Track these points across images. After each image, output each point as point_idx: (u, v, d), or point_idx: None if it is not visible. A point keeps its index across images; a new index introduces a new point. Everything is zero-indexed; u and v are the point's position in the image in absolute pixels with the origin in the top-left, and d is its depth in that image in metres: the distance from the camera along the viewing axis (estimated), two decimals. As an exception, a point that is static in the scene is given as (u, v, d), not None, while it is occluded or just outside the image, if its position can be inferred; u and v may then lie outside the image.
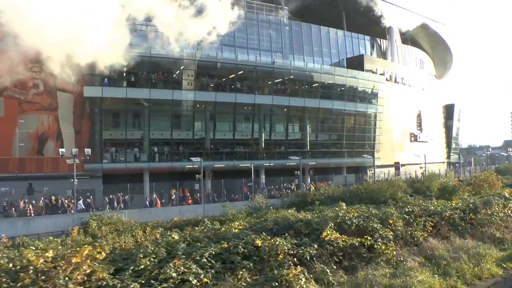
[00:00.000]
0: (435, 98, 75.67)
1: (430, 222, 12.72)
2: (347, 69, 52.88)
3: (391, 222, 12.03)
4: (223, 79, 44.15)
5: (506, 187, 37.71)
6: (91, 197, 37.97)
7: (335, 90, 51.10)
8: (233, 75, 44.05)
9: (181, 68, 41.71)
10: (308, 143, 50.27)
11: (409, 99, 65.18)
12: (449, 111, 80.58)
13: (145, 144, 42.17)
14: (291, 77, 47.60)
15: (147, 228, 22.64)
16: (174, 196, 40.60)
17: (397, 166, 49.68)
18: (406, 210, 13.84)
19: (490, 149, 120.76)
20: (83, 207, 36.67)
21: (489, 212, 14.06)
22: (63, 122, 39.91)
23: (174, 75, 42.57)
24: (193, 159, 37.96)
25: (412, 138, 65.62)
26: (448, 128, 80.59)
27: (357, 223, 11.49)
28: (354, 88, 52.48)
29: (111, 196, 37.18)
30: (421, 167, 54.29)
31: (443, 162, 76.84)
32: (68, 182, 38.43)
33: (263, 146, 47.19)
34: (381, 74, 58.19)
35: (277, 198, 36.14)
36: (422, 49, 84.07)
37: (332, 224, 11.15)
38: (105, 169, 39.96)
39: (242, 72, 44.29)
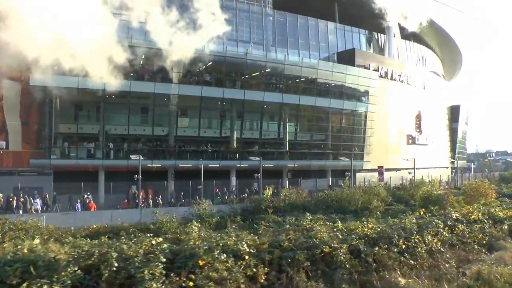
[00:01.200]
0: (438, 98, 69.65)
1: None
2: (333, 63, 47.92)
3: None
4: (189, 71, 39.66)
5: (503, 197, 32.37)
6: (46, 195, 33.95)
7: (318, 86, 46.13)
8: (202, 67, 39.57)
9: (143, 58, 37.53)
10: (287, 143, 45.44)
11: (407, 98, 59.58)
12: (454, 112, 74.40)
13: (101, 140, 38.13)
14: (267, 70, 42.85)
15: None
16: (134, 197, 36.45)
17: (380, 170, 44.41)
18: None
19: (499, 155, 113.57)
20: (40, 206, 32.72)
21: (402, 245, 9.22)
22: (8, 113, 36.10)
23: (136, 66, 38.36)
24: (132, 156, 33.40)
25: (410, 141, 60.00)
26: (453, 131, 74.42)
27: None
28: (342, 84, 47.37)
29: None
30: (409, 172, 48.85)
31: (447, 168, 70.86)
32: (13, 178, 34.87)
33: (234, 145, 42.61)
34: (375, 70, 52.92)
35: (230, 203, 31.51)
36: (428, 46, 78.22)
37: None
38: (55, 166, 36.03)
39: (211, 63, 39.77)
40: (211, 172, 40.55)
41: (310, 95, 44.89)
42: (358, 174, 50.45)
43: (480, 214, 15.08)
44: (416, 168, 60.70)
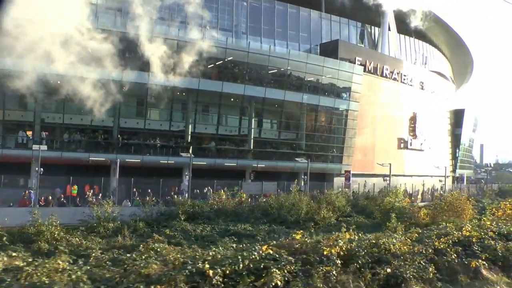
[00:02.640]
0: (440, 101, 62.91)
1: None
2: (308, 54, 42.27)
3: None
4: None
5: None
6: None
7: (290, 78, 40.61)
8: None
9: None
10: (251, 140, 40.03)
11: (401, 98, 53.32)
12: (458, 117, 67.36)
13: (36, 128, 33.62)
14: (230, 58, 37.57)
15: None
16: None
17: (347, 176, 38.48)
18: None
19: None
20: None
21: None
22: None
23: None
24: (34, 146, 28.45)
25: (402, 145, 53.63)
26: (456, 137, 67.42)
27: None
28: (318, 77, 41.71)
29: None
30: (384, 179, 42.72)
31: (447, 176, 63.91)
32: None
33: (189, 140, 37.44)
34: (361, 65, 46.93)
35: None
36: (435, 46, 71.55)
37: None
38: None
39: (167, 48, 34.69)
40: (168, 169, 35.94)
41: (280, 88, 39.38)
42: (336, 179, 44.64)
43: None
44: (409, 176, 54.59)
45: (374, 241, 9.27)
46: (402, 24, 59.35)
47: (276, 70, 39.63)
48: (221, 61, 37.59)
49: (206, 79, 36.23)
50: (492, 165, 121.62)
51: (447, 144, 65.81)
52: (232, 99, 38.46)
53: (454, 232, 11.71)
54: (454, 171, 65.91)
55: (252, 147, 39.71)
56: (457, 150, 66.78)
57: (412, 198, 41.97)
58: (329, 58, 43.01)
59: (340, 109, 44.26)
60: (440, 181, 48.53)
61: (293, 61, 39.69)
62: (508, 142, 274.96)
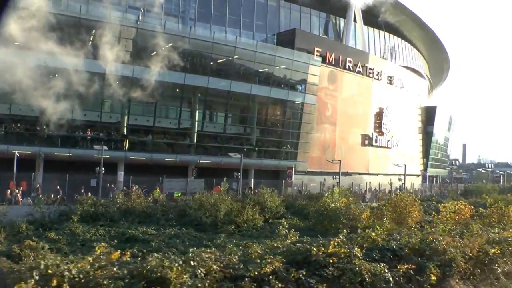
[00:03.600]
0: (411, 97, 60.07)
1: None
2: (258, 42, 39.06)
3: None
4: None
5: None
6: None
7: (237, 68, 37.43)
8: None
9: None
10: (195, 134, 36.78)
11: (366, 92, 50.36)
12: (429, 114, 64.51)
13: None
14: (170, 44, 34.23)
15: None
16: None
17: (289, 173, 35.32)
18: None
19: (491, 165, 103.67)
20: None
21: None
22: None
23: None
24: None
25: (366, 142, 50.66)
26: (428, 134, 64.61)
27: None
28: (268, 68, 38.52)
29: None
30: (334, 178, 39.68)
31: (417, 175, 61.14)
32: None
33: (124, 133, 34.11)
34: (321, 56, 43.83)
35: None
36: (410, 43, 68.78)
37: None
38: None
39: (92, 30, 31.40)
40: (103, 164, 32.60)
41: (226, 78, 36.15)
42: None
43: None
44: (374, 174, 51.72)
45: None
46: (373, 17, 56.60)
47: (222, 59, 36.36)
48: (161, 48, 34.26)
49: (143, 66, 32.92)
50: (493, 166, 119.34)
51: (418, 142, 62.97)
52: (172, 89, 35.10)
53: (314, 248, 8.56)
54: (425, 169, 63.11)
55: (195, 142, 36.45)
56: (429, 149, 63.88)
57: (367, 198, 38.99)
58: (283, 47, 39.87)
59: (296, 102, 41.12)
60: (400, 179, 45.60)
61: (241, 49, 36.49)
62: (490, 142, 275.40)
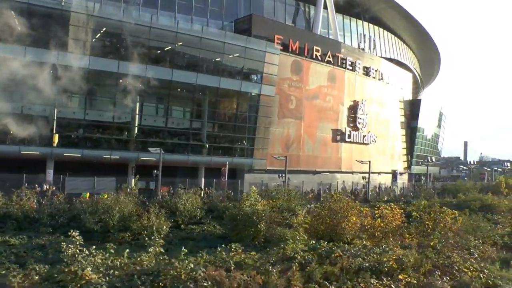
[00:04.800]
0: (391, 90, 56.15)
1: None
2: (204, 28, 35.45)
3: None
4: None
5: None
6: None
7: (181, 56, 34.00)
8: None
9: None
10: (135, 128, 33.38)
11: (339, 83, 46.54)
12: (414, 109, 60.49)
13: None
14: (104, 30, 30.93)
15: None
16: None
17: (224, 171, 31.59)
18: None
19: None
20: None
21: None
22: None
23: None
24: None
25: (338, 137, 46.83)
26: (412, 130, 60.58)
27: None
28: (219, 56, 34.97)
29: None
30: (280, 176, 35.90)
31: (400, 174, 57.12)
32: None
33: (54, 127, 30.74)
34: (283, 44, 40.21)
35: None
36: (396, 34, 64.91)
37: None
38: None
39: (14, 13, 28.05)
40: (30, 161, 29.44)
41: (168, 66, 32.71)
42: (248, 176, 38.01)
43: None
44: (348, 172, 47.92)
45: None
46: (352, 6, 53.00)
47: (164, 46, 32.96)
48: (91, 32, 30.94)
49: (70, 52, 29.59)
50: (475, 162, 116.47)
51: (401, 138, 58.96)
52: (108, 79, 31.70)
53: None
54: (409, 167, 59.13)
55: (134, 137, 33.04)
56: (414, 145, 59.88)
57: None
58: (235, 34, 36.35)
59: (252, 93, 37.51)
60: (364, 178, 41.71)
61: (183, 35, 32.96)
62: (492, 140, 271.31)
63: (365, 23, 56.95)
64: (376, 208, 18.65)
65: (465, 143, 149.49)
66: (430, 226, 16.19)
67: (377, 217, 16.72)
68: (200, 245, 17.27)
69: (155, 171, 27.31)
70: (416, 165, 61.83)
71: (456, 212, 18.88)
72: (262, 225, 18.20)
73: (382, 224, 15.77)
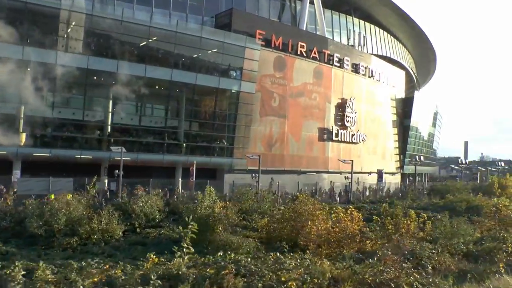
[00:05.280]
0: (382, 87, 54.89)
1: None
2: (180, 22, 34.26)
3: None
4: None
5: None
6: None
7: (155, 52, 32.95)
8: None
9: None
10: (108, 127, 32.30)
11: (325, 80, 45.30)
12: (407, 106, 59.17)
13: None
14: (74, 23, 29.88)
15: None
16: None
17: (192, 171, 30.38)
18: None
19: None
20: None
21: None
22: None
23: None
24: None
25: (325, 136, 45.60)
26: (405, 129, 59.26)
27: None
28: (195, 51, 33.86)
29: None
30: (253, 176, 34.69)
31: (392, 174, 55.91)
32: None
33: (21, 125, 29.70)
34: (266, 39, 39.09)
35: None
36: (391, 32, 63.75)
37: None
38: None
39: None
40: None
41: (140, 62, 31.62)
42: (228, 176, 36.86)
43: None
44: (336, 173, 46.71)
45: None
46: (343, 2, 52.03)
47: (137, 42, 31.91)
48: (64, 27, 29.92)
49: (37, 47, 28.55)
50: (468, 162, 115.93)
51: (393, 137, 57.65)
52: (77, 74, 30.57)
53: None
54: (401, 167, 57.80)
55: (107, 136, 31.95)
56: (407, 144, 58.55)
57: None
58: (212, 28, 35.31)
59: (232, 90, 36.37)
60: (346, 178, 40.44)
61: (157, 29, 31.91)
62: (495, 140, 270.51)
63: (356, 20, 55.74)
64: (332, 212, 17.40)
65: (465, 143, 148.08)
66: (392, 232, 14.94)
67: (334, 221, 15.44)
68: (150, 250, 16.15)
69: (116, 171, 26.16)
70: (410, 165, 60.46)
71: (425, 215, 17.58)
72: (220, 228, 17.08)
73: (336, 230, 14.37)
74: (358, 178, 47.48)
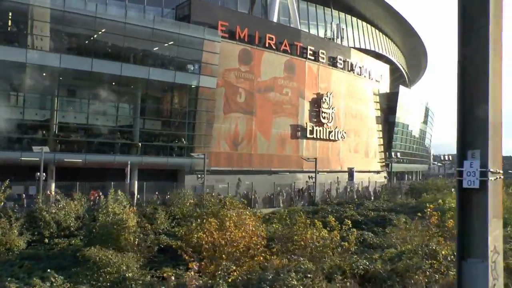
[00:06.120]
0: (364, 82, 53.11)
1: None
2: (129, 13, 32.78)
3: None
4: None
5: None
6: None
7: (103, 45, 31.35)
8: None
9: None
10: (55, 126, 30.68)
11: (299, 74, 43.57)
12: (391, 102, 57.32)
13: None
14: (11, 14, 28.38)
15: None
16: None
17: (126, 172, 28.56)
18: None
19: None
20: None
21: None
22: None
23: None
24: None
25: (298, 133, 43.80)
26: (391, 125, 57.39)
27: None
28: (148, 44, 32.19)
29: None
30: (198, 176, 32.68)
31: (377, 172, 54.04)
32: None
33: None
34: (227, 31, 37.44)
35: None
36: (374, 25, 62.07)
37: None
38: None
39: None
40: None
41: (84, 55, 29.98)
42: (189, 178, 35.10)
43: None
44: (311, 172, 44.80)
45: None
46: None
47: (79, 33, 30.27)
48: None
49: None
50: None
51: (377, 134, 55.79)
52: (16, 69, 28.99)
53: None
54: (387, 165, 55.84)
55: (52, 136, 30.34)
56: (391, 142, 56.70)
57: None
58: (166, 19, 33.75)
59: (191, 86, 34.67)
60: (311, 177, 38.53)
61: (104, 20, 30.25)
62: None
63: (335, 12, 54.14)
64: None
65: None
66: (299, 246, 12.89)
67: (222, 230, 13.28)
68: (41, 267, 14.44)
69: (37, 173, 24.46)
70: (398, 162, 58.58)
71: (349, 222, 15.21)
72: (131, 237, 15.30)
73: (222, 242, 12.11)
74: (338, 178, 45.75)
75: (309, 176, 38.50)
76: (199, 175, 31.57)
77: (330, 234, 12.77)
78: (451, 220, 14.81)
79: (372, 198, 36.92)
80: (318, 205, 31.37)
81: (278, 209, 31.13)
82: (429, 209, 15.58)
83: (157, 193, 31.23)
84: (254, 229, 12.51)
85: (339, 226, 14.15)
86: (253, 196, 33.75)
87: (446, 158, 72.31)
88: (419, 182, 45.13)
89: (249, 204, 34.54)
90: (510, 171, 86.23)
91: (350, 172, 40.60)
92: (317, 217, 25.56)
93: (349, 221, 15.17)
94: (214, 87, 35.17)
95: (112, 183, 29.69)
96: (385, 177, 54.81)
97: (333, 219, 14.51)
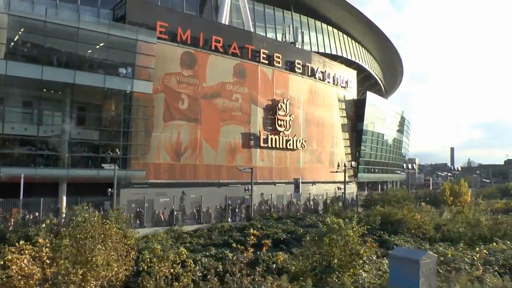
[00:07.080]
0: (327, 88, 51.84)
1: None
2: (49, 12, 30.86)
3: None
4: None
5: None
6: None
7: (20, 45, 29.55)
8: None
9: None
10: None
11: (249, 80, 42.11)
12: (358, 109, 56.06)
13: None
14: None
15: None
16: None
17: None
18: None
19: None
20: None
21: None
22: None
23: None
24: None
25: (251, 142, 42.14)
26: (358, 133, 56.04)
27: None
28: (73, 45, 30.44)
29: None
30: (109, 192, 30.64)
31: (347, 182, 52.31)
32: None
33: None
34: (167, 32, 35.94)
35: None
36: (342, 30, 61.24)
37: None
38: None
39: None
40: None
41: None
42: (125, 191, 33.12)
43: None
44: (267, 184, 43.19)
45: None
46: None
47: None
48: None
49: None
50: (460, 168, 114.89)
51: (343, 142, 54.36)
52: None
53: None
54: (355, 175, 54.33)
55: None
56: (359, 151, 55.29)
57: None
58: (93, 18, 32.15)
59: (126, 91, 32.91)
60: (247, 189, 36.38)
61: (20, 18, 28.46)
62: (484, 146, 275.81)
63: (296, 15, 53.18)
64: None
65: (452, 149, 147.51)
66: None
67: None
68: None
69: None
70: (367, 172, 57.21)
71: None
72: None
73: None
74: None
75: (245, 188, 36.63)
76: (109, 190, 29.30)
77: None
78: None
79: (321, 211, 35.15)
80: (255, 219, 29.56)
81: (206, 225, 29.44)
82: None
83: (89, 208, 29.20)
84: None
85: (244, 247, 13.91)
86: (175, 212, 31.82)
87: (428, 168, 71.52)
88: (379, 193, 43.55)
89: (198, 218, 32.88)
90: (485, 180, 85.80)
91: (296, 184, 38.84)
92: (236, 235, 23.99)
93: (268, 241, 16.08)
94: (150, 93, 33.46)
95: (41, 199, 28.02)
96: (368, 186, 53.47)
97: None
